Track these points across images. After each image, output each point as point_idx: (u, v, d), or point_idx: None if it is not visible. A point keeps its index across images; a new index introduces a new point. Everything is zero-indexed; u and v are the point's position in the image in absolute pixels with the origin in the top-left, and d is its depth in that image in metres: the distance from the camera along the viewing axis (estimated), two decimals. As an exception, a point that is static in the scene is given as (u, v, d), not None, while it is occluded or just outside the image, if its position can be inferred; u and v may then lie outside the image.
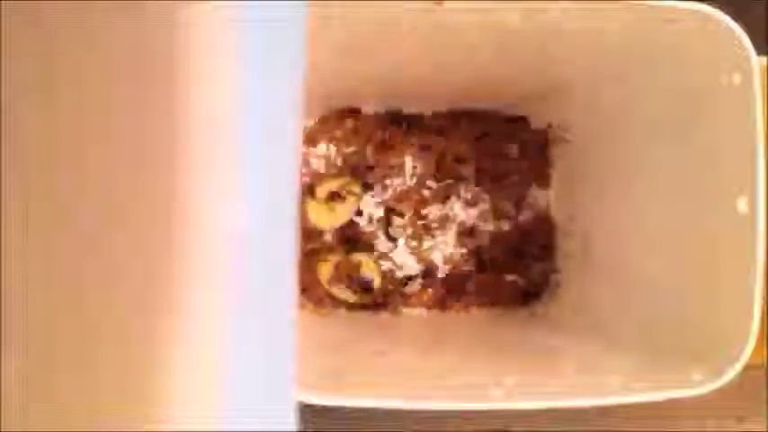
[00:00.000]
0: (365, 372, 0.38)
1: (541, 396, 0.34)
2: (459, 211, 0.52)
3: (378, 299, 0.50)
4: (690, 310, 0.38)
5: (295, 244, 0.21)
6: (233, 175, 0.20)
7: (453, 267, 0.51)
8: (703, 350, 0.35)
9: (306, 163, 0.51)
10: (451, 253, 0.52)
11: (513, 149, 0.52)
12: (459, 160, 0.52)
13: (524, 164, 0.52)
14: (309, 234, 0.50)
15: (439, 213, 0.52)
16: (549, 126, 0.51)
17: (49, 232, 0.19)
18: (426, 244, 0.51)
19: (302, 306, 0.49)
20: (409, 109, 0.52)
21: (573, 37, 0.38)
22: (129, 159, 0.19)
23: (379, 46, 0.39)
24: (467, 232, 0.52)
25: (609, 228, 0.46)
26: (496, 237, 0.52)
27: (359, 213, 0.51)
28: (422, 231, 0.51)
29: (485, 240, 0.52)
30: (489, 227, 0.52)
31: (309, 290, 0.49)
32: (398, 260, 0.51)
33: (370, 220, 0.51)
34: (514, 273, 0.52)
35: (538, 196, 0.53)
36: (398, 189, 0.51)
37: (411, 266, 0.51)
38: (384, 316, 0.50)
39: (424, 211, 0.51)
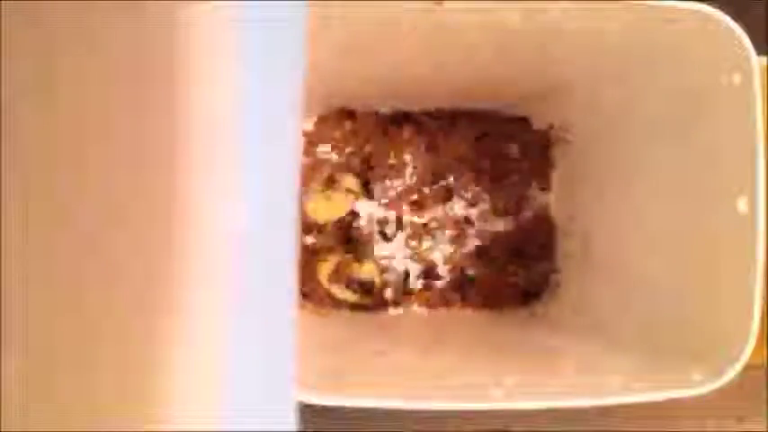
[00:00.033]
0: (365, 372, 0.38)
1: (541, 396, 0.34)
2: (460, 211, 0.52)
3: (377, 299, 0.50)
4: (690, 310, 0.38)
5: (295, 244, 0.21)
6: (233, 175, 0.20)
7: (453, 267, 0.51)
8: (703, 350, 0.35)
9: (307, 164, 0.51)
10: (451, 253, 0.52)
11: (514, 149, 0.52)
12: (460, 160, 0.52)
13: (524, 164, 0.52)
14: (309, 230, 0.50)
15: (439, 213, 0.52)
16: (550, 126, 0.51)
17: (49, 232, 0.19)
18: (426, 244, 0.51)
19: (302, 306, 0.49)
20: (409, 109, 0.52)
21: (573, 37, 0.38)
22: (129, 159, 0.19)
23: (379, 46, 0.39)
24: (467, 232, 0.52)
25: (609, 228, 0.46)
26: (496, 237, 0.52)
27: (357, 213, 0.51)
28: (421, 231, 0.51)
29: (485, 240, 0.52)
30: (489, 227, 0.52)
31: (309, 290, 0.49)
32: (398, 260, 0.51)
33: (370, 220, 0.51)
34: (514, 273, 0.52)
35: (538, 196, 0.53)
36: (398, 189, 0.51)
37: (411, 266, 0.51)
38: (384, 316, 0.50)
39: (423, 211, 0.52)
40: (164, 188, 0.19)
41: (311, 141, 0.51)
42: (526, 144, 0.52)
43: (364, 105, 0.51)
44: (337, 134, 0.51)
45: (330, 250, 0.50)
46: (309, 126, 0.51)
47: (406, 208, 0.51)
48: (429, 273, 0.51)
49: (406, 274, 0.51)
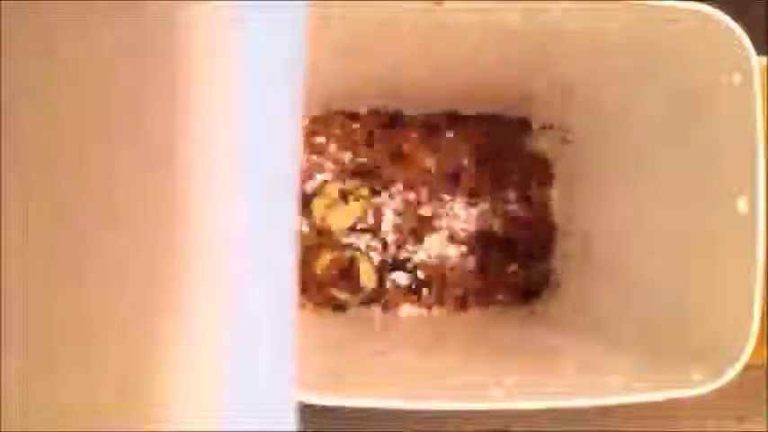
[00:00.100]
0: (365, 372, 0.38)
1: (541, 396, 0.34)
2: (460, 211, 0.52)
3: (374, 298, 0.50)
4: (690, 310, 0.38)
5: (295, 244, 0.21)
6: (233, 175, 0.20)
7: (453, 267, 0.51)
8: (703, 350, 0.35)
9: (309, 163, 0.51)
10: (451, 252, 0.52)
11: (514, 150, 0.52)
12: (460, 160, 0.52)
13: (524, 164, 0.52)
14: (314, 233, 0.50)
15: (439, 213, 0.52)
16: (550, 126, 0.51)
17: (49, 232, 0.19)
18: (426, 243, 0.51)
19: (302, 306, 0.49)
20: (409, 110, 0.51)
21: (573, 37, 0.38)
22: (129, 159, 0.19)
23: (379, 46, 0.39)
24: (467, 232, 0.52)
25: (609, 228, 0.46)
26: (496, 237, 0.52)
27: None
28: (422, 231, 0.51)
29: (485, 240, 0.52)
30: (489, 227, 0.52)
31: (309, 290, 0.49)
32: (398, 260, 0.51)
33: (370, 219, 0.51)
34: (514, 272, 0.52)
35: (538, 196, 0.53)
36: (398, 189, 0.51)
37: (410, 266, 0.51)
38: (384, 316, 0.50)
39: (423, 211, 0.52)
40: (164, 188, 0.19)
41: (311, 141, 0.51)
42: (526, 144, 0.52)
43: (364, 106, 0.51)
44: (337, 134, 0.51)
45: (327, 248, 0.50)
46: (309, 126, 0.51)
47: (406, 208, 0.51)
48: (429, 272, 0.51)
49: (406, 274, 0.51)
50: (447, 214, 0.52)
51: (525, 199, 0.53)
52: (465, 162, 0.52)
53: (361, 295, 0.50)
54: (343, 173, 0.51)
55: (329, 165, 0.51)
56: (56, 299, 0.19)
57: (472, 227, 0.52)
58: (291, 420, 0.20)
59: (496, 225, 0.52)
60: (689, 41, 0.35)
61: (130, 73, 0.19)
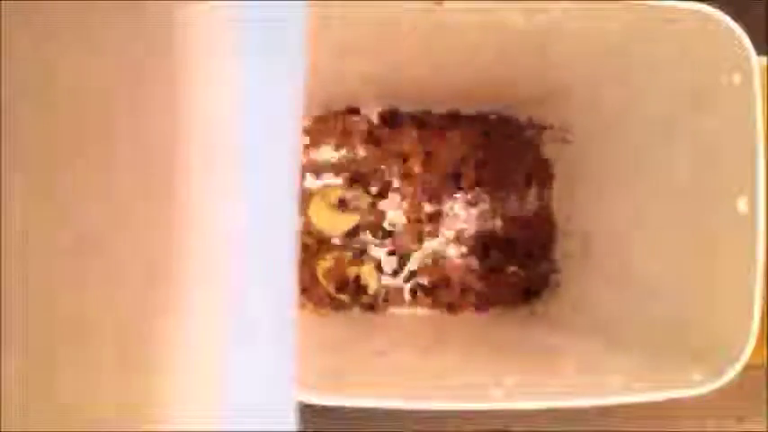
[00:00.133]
0: (365, 372, 0.38)
1: (541, 396, 0.34)
2: (460, 211, 0.52)
3: (375, 299, 0.50)
4: (690, 310, 0.38)
5: (295, 244, 0.21)
6: (233, 175, 0.20)
7: (453, 267, 0.51)
8: (703, 350, 0.35)
9: (309, 163, 0.51)
10: (451, 253, 0.52)
11: (514, 150, 0.52)
12: (460, 160, 0.52)
13: (524, 164, 0.52)
14: (311, 233, 0.50)
15: (439, 213, 0.52)
16: (550, 127, 0.51)
17: (49, 232, 0.19)
18: (426, 244, 0.51)
19: (302, 306, 0.49)
20: (409, 109, 0.52)
21: (573, 37, 0.38)
22: (129, 159, 0.19)
23: (379, 46, 0.39)
24: (467, 232, 0.52)
25: (609, 228, 0.46)
26: (496, 237, 0.52)
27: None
28: (422, 231, 0.51)
29: (485, 240, 0.52)
30: (489, 227, 0.52)
31: (309, 290, 0.49)
32: (398, 260, 0.51)
33: (370, 219, 0.51)
34: (515, 272, 0.52)
35: (538, 196, 0.53)
36: (398, 189, 0.51)
37: (410, 266, 0.51)
38: (384, 316, 0.50)
39: (423, 212, 0.52)
40: (164, 188, 0.19)
41: (311, 142, 0.51)
42: (526, 144, 0.52)
43: (364, 106, 0.51)
44: (337, 134, 0.51)
45: (328, 250, 0.50)
46: (309, 126, 0.51)
47: (406, 208, 0.51)
48: (429, 273, 0.51)
49: (406, 274, 0.51)
50: (447, 214, 0.52)
51: (525, 199, 0.53)
52: (465, 162, 0.52)
53: (361, 295, 0.50)
54: (343, 173, 0.51)
55: (329, 165, 0.51)
56: (56, 299, 0.19)
57: (472, 227, 0.52)
58: (291, 420, 0.20)
59: (496, 225, 0.52)
60: (689, 41, 0.35)
61: (130, 73, 0.19)
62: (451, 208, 0.52)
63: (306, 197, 0.50)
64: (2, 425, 0.18)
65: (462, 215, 0.52)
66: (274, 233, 0.20)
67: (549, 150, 0.52)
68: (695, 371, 0.34)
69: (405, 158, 0.51)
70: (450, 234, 0.52)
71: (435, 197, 0.52)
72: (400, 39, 0.38)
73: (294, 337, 0.20)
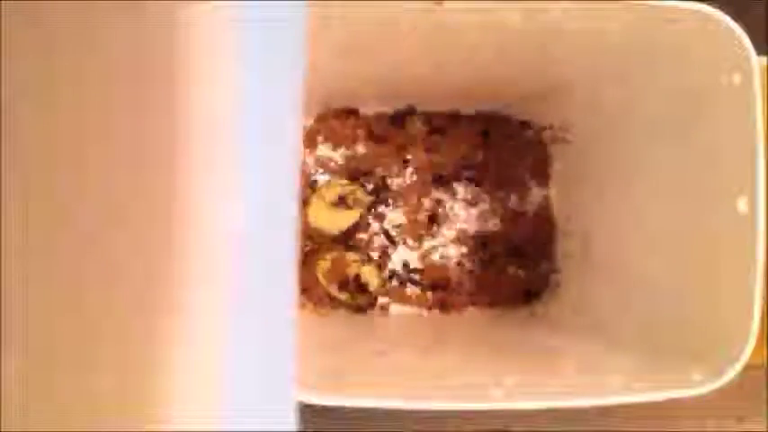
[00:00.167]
0: (365, 372, 0.38)
1: (541, 396, 0.34)
2: (460, 211, 0.52)
3: (374, 298, 0.50)
4: (690, 310, 0.38)
5: (295, 244, 0.21)
6: (233, 175, 0.20)
7: (453, 267, 0.51)
8: (703, 350, 0.35)
9: (309, 163, 0.51)
10: (451, 253, 0.52)
11: (514, 149, 0.53)
12: (460, 160, 0.52)
13: (524, 164, 0.52)
14: (310, 234, 0.50)
15: (439, 213, 0.52)
16: (550, 126, 0.51)
17: (49, 232, 0.19)
18: (426, 244, 0.51)
19: (302, 306, 0.49)
20: (409, 109, 0.51)
21: (573, 37, 0.38)
22: (129, 159, 0.19)
23: (379, 46, 0.39)
24: (467, 232, 0.52)
25: (609, 228, 0.46)
26: (496, 236, 0.52)
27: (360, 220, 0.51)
28: (422, 231, 0.51)
29: (485, 240, 0.52)
30: (489, 226, 0.52)
31: (309, 290, 0.49)
32: (398, 260, 0.51)
33: (370, 219, 0.51)
34: (515, 273, 0.52)
35: (538, 196, 0.53)
36: (398, 189, 0.51)
37: (411, 266, 0.51)
38: (384, 316, 0.50)
39: (423, 211, 0.52)
40: (164, 188, 0.19)
41: (311, 142, 0.51)
42: (526, 144, 0.52)
43: (364, 105, 0.51)
44: (337, 134, 0.51)
45: (328, 249, 0.50)
46: (309, 126, 0.51)
47: (406, 208, 0.51)
48: (429, 273, 0.51)
49: (406, 274, 0.51)
50: (447, 214, 0.52)
51: (525, 199, 0.53)
52: (465, 162, 0.52)
53: (361, 295, 0.50)
54: (343, 173, 0.51)
55: (329, 165, 0.51)
56: (56, 299, 0.19)
57: (472, 227, 0.52)
58: (291, 420, 0.20)
59: (496, 225, 0.52)
60: (689, 41, 0.35)
61: (130, 73, 0.19)
62: (451, 208, 0.52)
63: (305, 197, 0.50)
64: (2, 425, 0.18)
65: (462, 215, 0.52)
66: (274, 233, 0.20)
67: (549, 150, 0.52)
68: (695, 371, 0.34)
69: (404, 158, 0.51)
70: (451, 234, 0.52)
71: (435, 197, 0.52)
72: (400, 39, 0.38)
73: (294, 337, 0.20)
